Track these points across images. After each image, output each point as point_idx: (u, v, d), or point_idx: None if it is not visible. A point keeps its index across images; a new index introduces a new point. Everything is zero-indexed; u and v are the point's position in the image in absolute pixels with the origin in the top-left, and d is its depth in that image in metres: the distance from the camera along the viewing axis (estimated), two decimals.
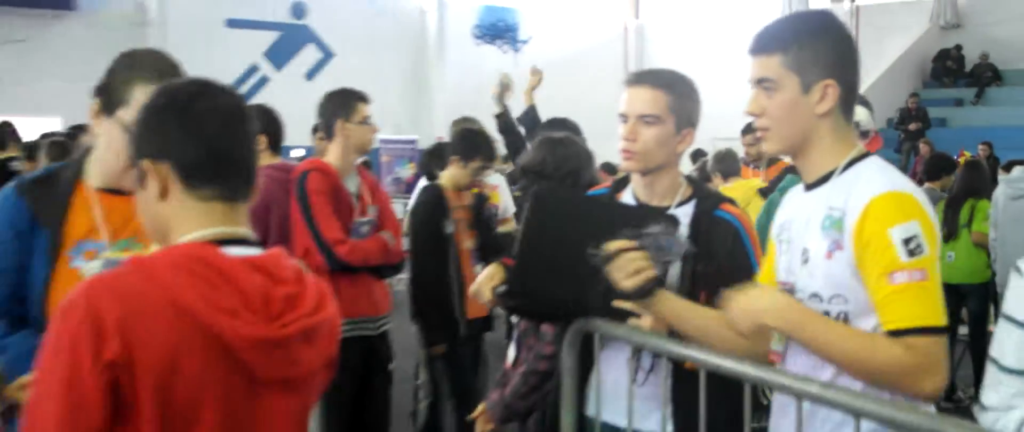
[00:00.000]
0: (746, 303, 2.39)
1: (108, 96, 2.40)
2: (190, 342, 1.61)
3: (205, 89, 1.81)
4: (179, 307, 1.61)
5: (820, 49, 2.39)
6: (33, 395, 1.63)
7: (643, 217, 2.90)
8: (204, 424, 1.64)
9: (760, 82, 2.42)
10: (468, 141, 5.25)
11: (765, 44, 2.43)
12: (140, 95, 2.29)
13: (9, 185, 2.51)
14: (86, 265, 2.39)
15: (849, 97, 2.43)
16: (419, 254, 5.17)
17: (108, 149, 2.41)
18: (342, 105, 4.59)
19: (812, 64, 2.37)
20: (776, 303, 2.38)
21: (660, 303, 2.59)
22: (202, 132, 1.73)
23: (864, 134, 4.68)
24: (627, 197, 3.03)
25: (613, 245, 2.53)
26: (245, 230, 1.78)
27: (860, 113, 4.63)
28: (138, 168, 1.76)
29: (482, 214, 5.45)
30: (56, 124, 18.56)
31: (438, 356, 5.25)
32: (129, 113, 2.30)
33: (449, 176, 5.29)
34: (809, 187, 2.49)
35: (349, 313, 3.54)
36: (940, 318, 2.22)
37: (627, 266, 2.51)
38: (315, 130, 7.38)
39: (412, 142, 20.23)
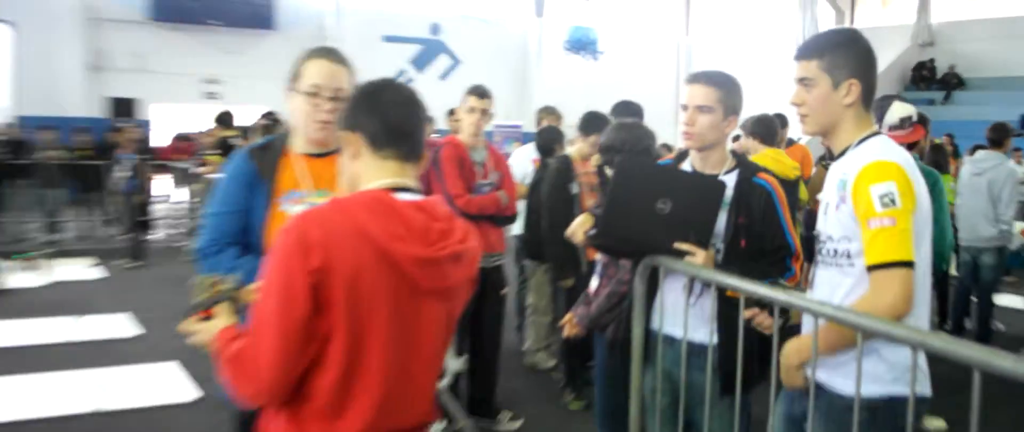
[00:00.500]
0: (789, 349, 2.49)
1: (291, 79, 2.49)
2: (369, 258, 1.67)
3: (388, 83, 1.90)
4: (362, 232, 1.67)
5: (847, 56, 2.41)
6: (259, 295, 1.71)
7: (698, 182, 2.92)
8: (379, 319, 1.69)
9: (801, 80, 2.46)
10: (589, 120, 5.19)
11: (806, 51, 2.46)
12: (310, 68, 2.38)
13: (241, 150, 2.60)
14: (292, 208, 2.46)
15: (868, 92, 2.44)
16: (552, 209, 5.13)
17: (298, 115, 2.49)
18: (464, 98, 4.67)
19: (841, 67, 2.40)
20: (799, 343, 2.48)
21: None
22: (383, 112, 1.81)
23: (908, 123, 4.54)
24: (686, 167, 3.04)
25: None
26: (413, 182, 1.83)
27: (908, 109, 4.55)
28: (341, 137, 1.85)
29: (604, 178, 5.42)
30: (262, 112, 19.25)
31: (566, 287, 5.21)
32: (303, 82, 2.39)
33: (576, 149, 5.25)
34: (834, 159, 2.50)
35: None
36: (904, 254, 2.22)
37: None
38: (450, 112, 7.55)
39: (517, 127, 20.37)
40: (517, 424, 4.92)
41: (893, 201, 2.22)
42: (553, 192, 5.13)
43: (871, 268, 2.23)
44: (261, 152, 2.51)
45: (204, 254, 2.46)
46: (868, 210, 2.23)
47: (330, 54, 2.43)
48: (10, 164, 12.33)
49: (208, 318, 1.88)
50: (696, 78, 2.99)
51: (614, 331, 3.44)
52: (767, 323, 2.71)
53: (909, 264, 2.23)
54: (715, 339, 2.82)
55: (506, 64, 23.15)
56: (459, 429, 4.45)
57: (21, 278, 9.58)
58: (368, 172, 1.79)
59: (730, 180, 2.93)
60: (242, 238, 2.45)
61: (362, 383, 1.70)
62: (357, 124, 1.81)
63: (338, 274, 1.63)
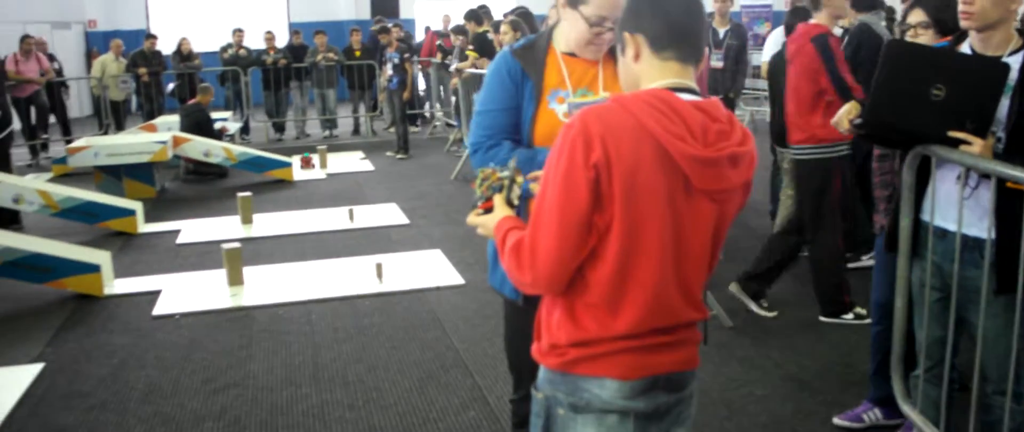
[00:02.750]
0: None
1: None
2: (649, 154, 1.67)
3: None
4: (642, 128, 1.67)
5: None
6: (541, 185, 1.75)
7: (978, 65, 2.68)
8: (655, 215, 1.70)
9: None
10: None
11: None
12: None
13: (505, 49, 2.64)
14: (557, 107, 2.48)
15: None
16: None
17: (572, 30, 2.46)
18: None
19: None
20: None
21: None
22: (665, 12, 1.80)
23: None
24: (965, 49, 2.77)
25: None
26: (693, 83, 1.81)
27: None
28: (622, 38, 1.85)
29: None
30: (510, 3, 19.53)
31: None
32: (589, 9, 2.37)
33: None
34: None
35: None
36: None
37: None
38: None
39: (767, 7, 19.50)
40: (771, 315, 4.85)
41: None
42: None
43: None
44: (525, 51, 2.54)
45: (476, 149, 2.54)
46: None
47: None
48: (293, 67, 13.35)
49: (489, 210, 1.98)
50: None
51: (883, 221, 3.28)
52: None
53: None
54: (993, 234, 2.62)
55: None
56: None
57: (304, 172, 10.47)
58: (649, 72, 1.79)
59: (1015, 62, 2.62)
60: (514, 134, 2.52)
61: (636, 278, 1.73)
62: (639, 26, 1.81)
63: (617, 167, 1.66)
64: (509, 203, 1.95)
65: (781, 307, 4.98)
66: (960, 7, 2.64)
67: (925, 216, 2.87)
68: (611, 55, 2.51)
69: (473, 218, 1.99)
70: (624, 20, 1.86)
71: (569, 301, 1.79)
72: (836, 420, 3.66)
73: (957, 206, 2.69)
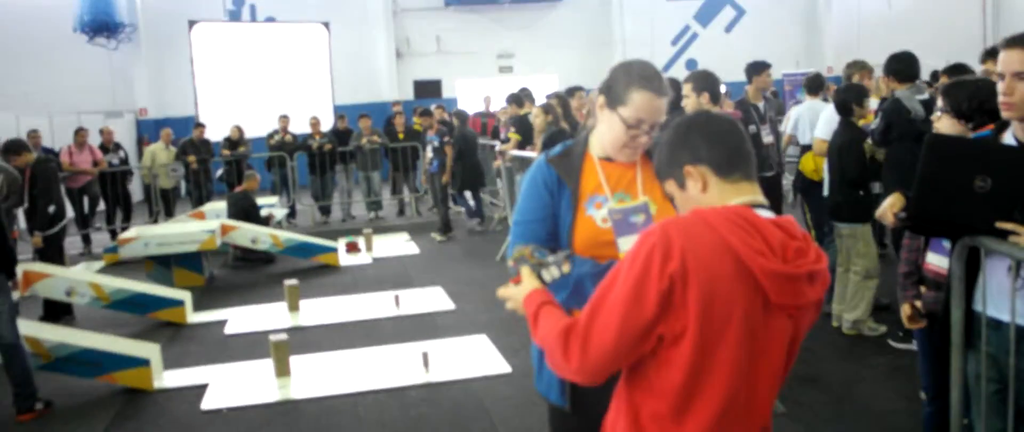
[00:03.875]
0: None
1: (610, 95, 2.46)
2: (729, 269, 1.70)
3: (709, 114, 1.95)
4: (724, 243, 1.71)
5: None
6: (609, 276, 1.78)
7: (1022, 155, 2.67)
8: (732, 328, 1.71)
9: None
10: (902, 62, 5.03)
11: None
12: (636, 97, 2.38)
13: (540, 158, 2.67)
14: (595, 212, 2.48)
15: None
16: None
17: (609, 132, 2.49)
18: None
19: None
20: None
21: None
22: (722, 140, 1.86)
23: None
24: (1008, 139, 2.77)
25: None
26: (763, 199, 1.86)
27: None
28: (677, 175, 1.90)
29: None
30: (554, 80, 19.98)
31: None
32: (627, 111, 2.40)
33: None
34: None
35: None
36: None
37: None
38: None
39: (808, 73, 19.59)
40: None
41: None
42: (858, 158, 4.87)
43: None
44: (561, 159, 2.57)
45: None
46: None
47: (656, 87, 2.38)
48: (338, 151, 13.59)
49: (518, 283, 2.04)
50: (1014, 42, 2.67)
51: (919, 307, 3.25)
52: None
53: None
54: None
55: (793, 10, 22.37)
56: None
57: (350, 256, 10.58)
58: (722, 197, 1.84)
59: None
60: (551, 244, 2.52)
61: (708, 389, 1.74)
62: (699, 157, 1.85)
63: (694, 279, 1.68)
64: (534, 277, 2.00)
65: (841, 393, 4.89)
66: (1000, 98, 2.65)
67: (977, 306, 2.83)
68: (648, 159, 2.54)
69: (502, 290, 2.04)
70: (676, 156, 1.90)
71: (633, 409, 1.81)
72: None
73: (1009, 297, 2.65)
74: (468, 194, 12.09)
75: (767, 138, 7.13)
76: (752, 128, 6.75)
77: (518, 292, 2.01)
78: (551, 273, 2.05)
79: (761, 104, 7.44)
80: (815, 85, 7.97)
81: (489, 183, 13.04)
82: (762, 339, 1.76)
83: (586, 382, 1.80)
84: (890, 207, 2.98)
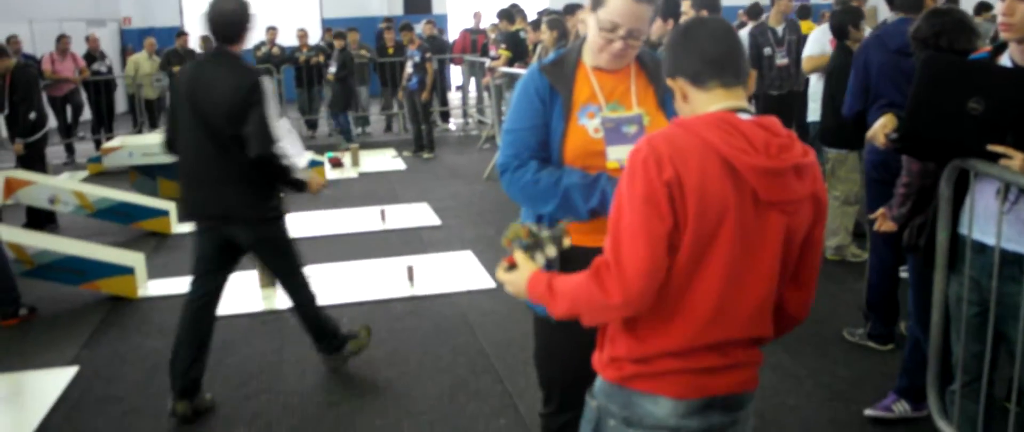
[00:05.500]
0: None
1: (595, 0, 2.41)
2: (715, 169, 1.71)
3: (700, 20, 1.92)
4: (708, 145, 1.71)
5: None
6: (614, 210, 1.76)
7: (1018, 78, 2.64)
8: (727, 226, 1.72)
9: None
10: None
11: None
12: (612, 2, 2.31)
13: (532, 66, 2.61)
14: (588, 122, 2.44)
15: None
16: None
17: (590, 36, 2.44)
18: None
19: None
20: None
21: None
22: (699, 49, 1.83)
23: None
24: (1004, 61, 2.73)
25: None
26: (746, 104, 1.84)
27: None
28: (670, 86, 1.91)
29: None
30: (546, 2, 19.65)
31: None
32: (604, 13, 2.33)
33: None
34: None
35: None
36: None
37: None
38: None
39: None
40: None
41: None
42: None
43: None
44: (553, 67, 2.51)
45: (504, 169, 2.51)
46: None
47: None
48: (324, 65, 13.41)
49: (512, 266, 1.98)
50: None
51: (909, 235, 3.24)
52: None
53: None
54: None
55: None
56: None
57: (336, 171, 10.52)
58: (702, 105, 1.82)
59: None
60: (541, 153, 2.48)
61: (700, 290, 1.75)
62: (678, 69, 1.85)
63: (688, 182, 1.69)
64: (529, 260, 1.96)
65: (817, 316, 4.94)
66: (999, 18, 2.61)
67: (963, 230, 2.83)
68: (642, 68, 2.49)
69: (500, 274, 2.00)
70: (665, 65, 1.91)
71: (634, 320, 1.81)
72: (867, 412, 3.73)
73: (996, 220, 2.65)
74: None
75: (781, 60, 7.48)
76: (767, 50, 7.47)
77: (518, 277, 1.94)
78: (547, 253, 1.98)
79: (780, 28, 7.53)
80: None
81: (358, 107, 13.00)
82: (755, 237, 1.76)
83: (635, 312, 1.77)
84: (881, 128, 2.96)
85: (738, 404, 1.86)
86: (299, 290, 4.25)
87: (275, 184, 3.97)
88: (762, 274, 1.79)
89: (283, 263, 4.22)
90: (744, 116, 1.79)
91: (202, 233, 4.04)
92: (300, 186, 4.06)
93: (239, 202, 3.87)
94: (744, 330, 1.81)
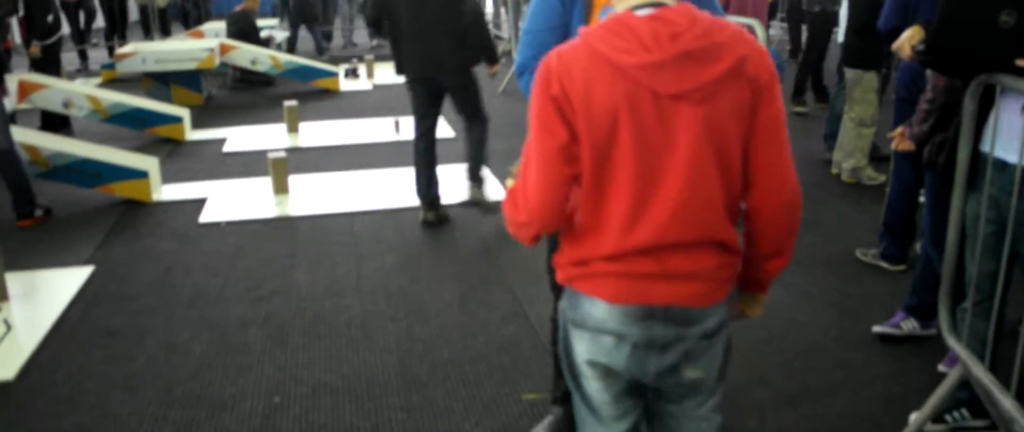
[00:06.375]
0: None
1: None
2: (603, 74, 1.69)
3: None
4: (593, 52, 1.70)
5: None
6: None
7: None
8: (622, 127, 1.69)
9: None
10: None
11: None
12: None
13: None
14: None
15: None
16: None
17: None
18: None
19: None
20: None
21: None
22: None
23: None
24: None
25: None
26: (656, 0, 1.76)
27: None
28: None
29: None
30: None
31: None
32: None
33: None
34: None
35: None
36: None
37: None
38: None
39: None
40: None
41: None
42: None
43: None
44: None
45: (521, 71, 2.49)
46: None
47: None
48: None
49: None
50: None
51: (930, 153, 3.20)
52: None
53: None
54: None
55: None
56: None
57: (351, 82, 10.45)
58: (619, 5, 1.79)
59: None
60: None
61: (613, 194, 1.74)
62: None
63: (573, 94, 1.69)
64: None
65: (830, 236, 4.93)
66: None
67: (985, 147, 2.78)
68: None
69: (511, 180, 2.00)
70: None
71: (569, 228, 1.84)
72: (875, 329, 3.74)
73: (1020, 137, 2.60)
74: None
75: None
76: None
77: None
78: None
79: None
80: None
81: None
82: (660, 134, 1.71)
83: (545, 228, 1.80)
84: (908, 39, 2.89)
85: (686, 319, 1.79)
86: (479, 127, 5.57)
87: (478, 44, 5.21)
88: (681, 171, 1.72)
89: (474, 102, 5.47)
90: (644, 12, 1.73)
91: (417, 84, 5.30)
92: (493, 50, 5.58)
93: (449, 58, 5.09)
94: (679, 233, 1.75)
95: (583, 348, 1.86)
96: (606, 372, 1.86)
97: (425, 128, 5.42)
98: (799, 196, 1.84)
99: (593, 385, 1.90)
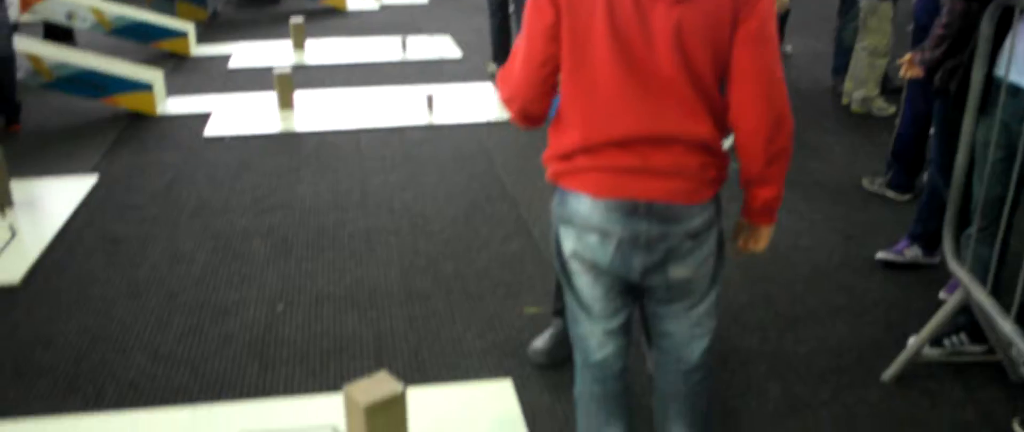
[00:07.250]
0: None
1: None
2: None
3: None
4: None
5: None
6: None
7: None
8: (598, 20, 1.72)
9: None
10: None
11: None
12: None
13: None
14: None
15: None
16: None
17: None
18: None
19: None
20: None
21: None
22: None
23: None
24: None
25: None
26: None
27: None
28: None
29: None
30: None
31: None
32: None
33: None
34: None
35: None
36: None
37: None
38: None
39: None
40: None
41: None
42: None
43: None
44: None
45: None
46: None
47: None
48: None
49: None
50: None
51: (941, 78, 3.16)
52: None
53: None
54: None
55: None
56: None
57: (356, 1, 10.31)
58: None
59: None
60: None
61: (589, 83, 1.77)
62: None
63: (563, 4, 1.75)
64: None
65: (837, 164, 4.90)
66: None
67: (999, 72, 2.75)
68: None
69: None
70: None
71: (554, 120, 1.90)
72: (879, 255, 3.75)
73: None
74: None
75: None
76: None
77: None
78: None
79: None
80: None
81: None
82: (638, 31, 1.71)
83: (525, 103, 1.89)
84: None
85: (669, 216, 1.80)
86: None
87: None
88: (654, 67, 1.72)
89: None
90: None
91: None
92: None
93: None
94: (650, 126, 1.76)
95: (570, 245, 1.90)
96: (593, 268, 1.89)
97: (500, 16, 6.54)
98: (784, 121, 1.80)
99: (582, 280, 1.94)
